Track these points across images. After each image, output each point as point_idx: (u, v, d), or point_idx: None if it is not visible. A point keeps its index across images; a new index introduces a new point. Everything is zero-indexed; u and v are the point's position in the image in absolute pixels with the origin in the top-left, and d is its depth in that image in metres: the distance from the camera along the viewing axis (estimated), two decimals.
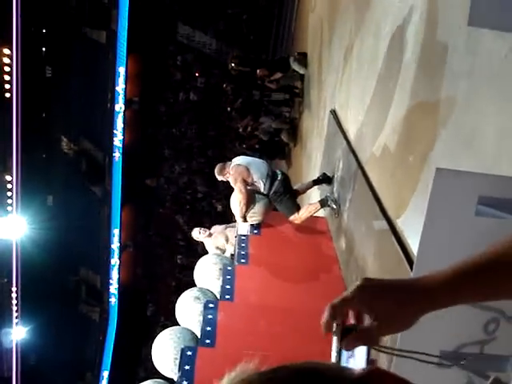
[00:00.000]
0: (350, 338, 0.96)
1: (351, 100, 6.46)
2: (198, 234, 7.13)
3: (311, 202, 6.56)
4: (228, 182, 6.22)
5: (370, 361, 0.95)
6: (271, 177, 6.13)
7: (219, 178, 6.31)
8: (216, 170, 6.28)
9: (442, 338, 2.48)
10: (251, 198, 6.02)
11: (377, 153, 4.97)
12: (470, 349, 2.49)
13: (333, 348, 0.97)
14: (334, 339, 0.97)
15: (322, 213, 6.56)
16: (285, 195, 6.17)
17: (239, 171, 6.06)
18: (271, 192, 6.10)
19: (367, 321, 0.99)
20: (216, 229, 7.21)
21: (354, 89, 6.40)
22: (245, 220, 6.02)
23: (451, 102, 3.48)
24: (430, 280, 0.99)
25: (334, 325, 0.97)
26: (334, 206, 6.14)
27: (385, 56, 5.12)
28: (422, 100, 4.07)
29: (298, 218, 6.20)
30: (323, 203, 6.30)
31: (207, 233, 7.10)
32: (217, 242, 6.95)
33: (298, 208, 6.29)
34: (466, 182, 2.29)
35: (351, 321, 0.99)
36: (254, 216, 6.06)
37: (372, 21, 5.79)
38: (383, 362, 2.81)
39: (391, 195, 4.40)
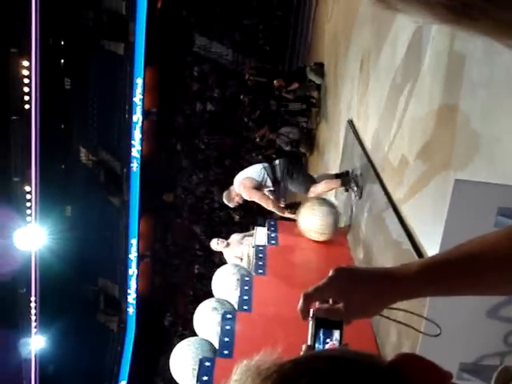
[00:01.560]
0: (328, 308, 1.05)
1: (368, 110, 6.45)
2: (216, 244, 7.16)
3: (329, 178, 6.46)
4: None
5: (343, 345, 1.04)
6: (271, 168, 6.22)
7: (231, 204, 6.39)
8: (225, 199, 6.40)
9: (462, 350, 2.47)
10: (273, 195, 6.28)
11: (394, 163, 4.96)
12: (490, 361, 2.47)
13: (309, 332, 1.06)
14: (310, 324, 1.06)
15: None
16: (292, 174, 6.20)
17: (244, 185, 6.21)
18: (279, 179, 6.19)
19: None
20: (234, 238, 7.24)
21: (371, 98, 6.39)
22: (288, 211, 6.25)
23: (469, 113, 3.47)
24: (402, 271, 1.03)
25: (311, 311, 1.05)
26: (356, 188, 6.03)
27: (401, 65, 5.12)
28: (439, 110, 4.06)
29: (313, 191, 6.15)
30: (344, 182, 6.18)
31: (225, 243, 7.13)
32: (235, 252, 6.98)
33: (312, 183, 6.23)
34: (485, 193, 2.28)
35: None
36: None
37: (389, 30, 5.79)
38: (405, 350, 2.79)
39: (409, 205, 4.38)
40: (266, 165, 6.33)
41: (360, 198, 5.94)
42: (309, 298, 1.06)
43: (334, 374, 0.62)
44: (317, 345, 1.04)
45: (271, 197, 6.38)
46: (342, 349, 0.87)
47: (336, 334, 1.05)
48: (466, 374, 2.41)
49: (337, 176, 6.69)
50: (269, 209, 6.46)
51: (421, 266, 1.04)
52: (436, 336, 1.19)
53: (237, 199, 6.33)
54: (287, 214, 6.39)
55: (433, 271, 1.03)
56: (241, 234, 7.34)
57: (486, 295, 1.11)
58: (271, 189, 6.37)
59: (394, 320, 1.19)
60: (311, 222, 5.83)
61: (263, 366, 0.64)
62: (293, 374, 0.62)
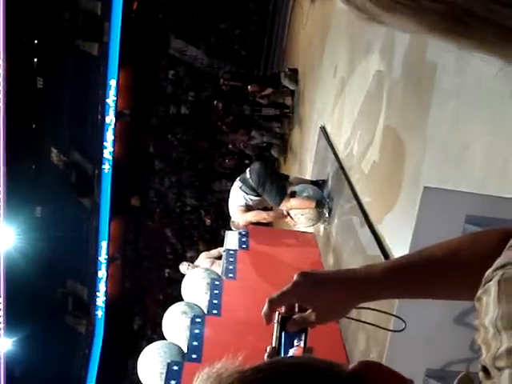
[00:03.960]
0: (292, 321, 1.07)
1: (340, 116, 6.49)
2: (185, 268, 7.11)
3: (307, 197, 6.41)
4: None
5: (307, 348, 1.07)
6: (245, 184, 6.21)
7: (243, 230, 6.34)
8: (234, 229, 6.41)
9: (428, 356, 2.49)
10: (256, 211, 6.39)
11: (365, 169, 4.99)
12: (456, 367, 2.50)
13: (274, 335, 1.08)
14: (275, 326, 1.08)
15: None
16: (264, 185, 6.14)
17: (238, 214, 6.26)
18: (255, 190, 6.18)
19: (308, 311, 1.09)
20: (201, 261, 7.19)
21: (344, 106, 6.44)
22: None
23: (440, 121, 3.51)
24: (364, 273, 1.05)
25: (276, 314, 1.08)
26: (327, 214, 6.06)
27: (374, 74, 5.16)
28: (410, 118, 4.10)
29: (285, 205, 6.11)
30: (318, 204, 6.16)
31: (195, 268, 7.06)
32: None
33: (284, 196, 6.16)
34: (454, 200, 2.30)
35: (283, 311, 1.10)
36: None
37: (363, 38, 5.84)
38: (373, 358, 2.80)
39: (379, 212, 4.42)
40: (240, 184, 6.27)
41: (329, 224, 5.99)
42: (274, 303, 1.07)
43: (296, 382, 0.62)
44: (282, 347, 1.06)
45: (263, 210, 6.48)
46: (304, 356, 0.88)
47: (301, 336, 1.07)
48: (433, 380, 2.43)
49: (312, 182, 6.71)
50: (269, 221, 6.53)
51: (384, 269, 1.05)
52: (401, 331, 1.20)
53: (242, 225, 6.35)
54: (286, 220, 6.40)
55: (395, 274, 1.04)
56: (210, 257, 7.25)
57: (448, 299, 1.13)
58: (261, 202, 6.39)
59: (359, 320, 1.21)
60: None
61: (224, 373, 0.64)
62: (254, 382, 0.62)
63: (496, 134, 2.90)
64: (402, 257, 1.10)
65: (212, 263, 7.03)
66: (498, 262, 0.76)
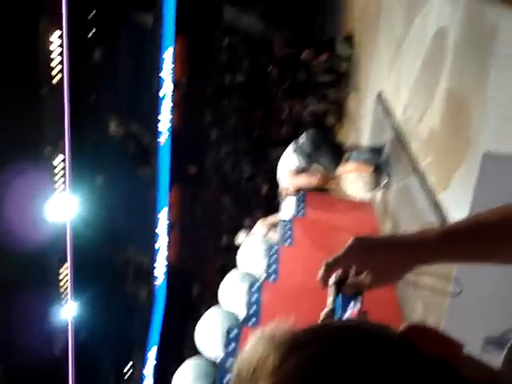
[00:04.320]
0: (347, 284, 1.10)
1: (398, 81, 6.37)
2: (243, 238, 7.15)
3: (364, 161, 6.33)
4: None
5: (362, 312, 1.08)
6: (300, 148, 6.18)
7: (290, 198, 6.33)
8: (282, 198, 6.39)
9: (487, 324, 2.47)
10: (307, 175, 6.29)
11: (424, 135, 4.91)
12: None
13: (329, 298, 1.11)
14: (331, 289, 1.10)
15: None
16: (320, 149, 6.11)
17: (287, 178, 6.22)
18: (309, 155, 6.14)
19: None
20: (258, 228, 7.21)
21: (401, 70, 6.31)
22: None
23: (499, 84, 3.41)
24: (419, 237, 1.06)
25: (332, 278, 1.10)
26: (385, 180, 5.99)
27: (432, 37, 5.03)
28: (469, 81, 4.00)
29: (343, 169, 6.08)
30: (376, 169, 6.11)
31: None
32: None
33: (341, 161, 6.13)
34: None
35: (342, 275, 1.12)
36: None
37: (420, 1, 5.68)
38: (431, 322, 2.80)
39: (438, 178, 4.35)
40: (294, 147, 6.27)
41: (386, 190, 5.90)
42: (329, 267, 1.10)
43: (343, 343, 0.64)
44: (337, 310, 1.08)
45: (316, 173, 6.38)
46: (355, 320, 0.90)
47: (356, 300, 1.09)
48: (492, 347, 2.41)
49: (369, 149, 6.63)
50: (321, 185, 6.49)
51: (439, 233, 1.06)
52: (457, 295, 1.20)
53: (290, 191, 6.35)
54: (336, 185, 6.39)
55: (450, 238, 1.05)
56: (268, 223, 7.27)
57: (503, 263, 1.13)
58: (314, 166, 6.34)
59: (415, 284, 1.22)
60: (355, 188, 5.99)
61: (277, 333, 0.66)
62: (303, 342, 0.64)
63: None
64: (458, 221, 1.10)
65: (269, 230, 7.07)
66: None
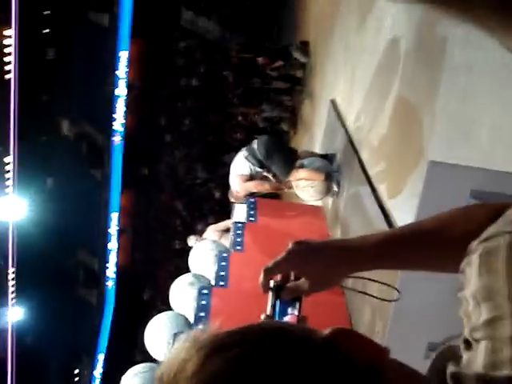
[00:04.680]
0: (286, 289, 1.09)
1: (351, 89, 6.44)
2: (193, 242, 7.10)
3: (316, 169, 6.31)
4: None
5: (301, 317, 1.09)
6: (252, 154, 6.20)
7: (241, 201, 6.32)
8: (233, 200, 6.39)
9: (430, 330, 2.50)
10: (258, 180, 6.32)
11: (375, 143, 4.97)
12: (458, 341, 2.51)
13: (268, 302, 1.11)
14: (270, 294, 1.10)
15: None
16: (272, 156, 6.14)
17: (237, 183, 6.23)
18: (261, 161, 6.16)
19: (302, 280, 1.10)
20: (209, 233, 7.18)
21: (354, 78, 6.39)
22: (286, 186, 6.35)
23: (449, 94, 3.48)
24: (359, 242, 1.06)
25: (271, 283, 1.10)
26: (336, 188, 6.03)
27: (385, 46, 5.11)
28: (420, 91, 4.07)
29: (294, 175, 6.11)
30: (327, 177, 6.10)
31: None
32: None
33: (293, 168, 6.14)
34: (459, 175, 2.29)
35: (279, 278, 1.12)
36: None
37: (374, 10, 5.77)
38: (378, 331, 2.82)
39: (387, 185, 4.41)
40: (246, 153, 6.26)
41: (337, 197, 5.96)
42: (269, 272, 1.09)
43: (266, 345, 0.63)
44: (276, 316, 1.07)
45: (267, 180, 6.40)
46: (280, 322, 0.90)
47: (295, 305, 1.08)
48: (434, 353, 2.44)
49: (321, 156, 6.68)
50: (270, 191, 6.52)
51: (376, 240, 1.06)
52: (395, 301, 1.21)
53: (241, 195, 6.35)
54: (286, 190, 6.41)
55: (387, 245, 1.05)
56: (218, 229, 7.23)
57: (438, 271, 1.14)
58: (264, 173, 6.36)
59: (353, 289, 1.23)
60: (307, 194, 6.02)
61: (201, 336, 0.65)
62: (226, 344, 0.63)
63: (505, 109, 2.87)
64: (396, 228, 1.11)
65: (220, 236, 7.04)
66: (483, 235, 0.76)
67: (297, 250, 1.10)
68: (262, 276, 1.10)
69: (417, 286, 2.14)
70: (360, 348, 0.63)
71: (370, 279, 1.19)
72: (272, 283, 1.10)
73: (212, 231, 7.21)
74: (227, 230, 6.83)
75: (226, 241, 6.44)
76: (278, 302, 1.09)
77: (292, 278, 1.11)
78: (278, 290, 1.09)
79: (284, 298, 1.09)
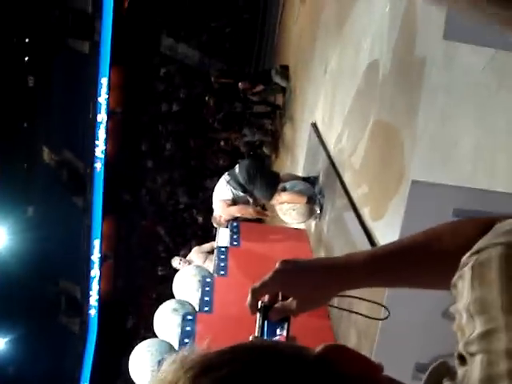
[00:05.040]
0: (274, 309, 1.08)
1: (331, 113, 6.49)
2: (177, 263, 7.05)
3: (298, 192, 6.33)
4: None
5: (290, 337, 1.07)
6: (234, 179, 6.20)
7: (223, 226, 6.32)
8: (215, 225, 6.39)
9: (418, 351, 2.49)
10: (242, 205, 6.31)
11: (356, 165, 5.00)
12: (449, 358, 2.50)
13: (256, 323, 1.08)
14: (257, 315, 1.08)
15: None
16: (254, 180, 6.15)
17: (220, 208, 6.24)
18: (243, 186, 6.16)
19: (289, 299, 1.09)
20: (194, 255, 7.13)
21: (334, 101, 6.44)
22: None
23: (429, 115, 3.51)
24: (347, 261, 1.06)
25: (259, 304, 1.08)
26: (318, 210, 6.06)
27: (364, 70, 5.16)
28: (399, 113, 4.11)
29: (277, 199, 6.12)
30: (309, 199, 6.13)
31: (187, 263, 7.01)
32: None
33: (275, 191, 6.15)
34: (441, 194, 2.30)
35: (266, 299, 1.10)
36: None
37: (352, 35, 5.84)
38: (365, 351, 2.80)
39: (370, 207, 4.42)
40: (227, 178, 6.26)
41: (320, 220, 5.99)
42: (256, 293, 1.07)
43: (256, 364, 0.61)
44: (264, 337, 1.06)
45: (249, 205, 6.41)
46: (270, 340, 0.88)
47: (283, 325, 1.07)
48: (422, 374, 2.43)
49: (303, 179, 6.70)
50: (254, 216, 6.53)
51: (363, 258, 1.06)
52: (384, 319, 1.19)
53: (223, 219, 6.33)
54: (267, 215, 6.42)
55: (374, 263, 1.04)
56: (203, 251, 7.20)
57: (427, 288, 1.13)
58: (247, 198, 6.37)
59: (341, 308, 1.21)
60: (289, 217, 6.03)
61: (189, 356, 0.64)
62: (215, 364, 0.62)
63: (484, 128, 2.90)
64: (385, 245, 1.10)
65: (205, 258, 7.01)
66: (474, 247, 0.76)
67: (284, 270, 1.09)
68: (249, 297, 1.08)
69: (403, 306, 2.13)
70: (352, 364, 0.62)
71: (358, 298, 1.18)
72: (260, 304, 1.09)
73: (196, 253, 7.16)
74: (212, 252, 6.79)
75: (211, 263, 6.41)
76: (266, 323, 1.07)
77: (280, 297, 1.10)
78: (266, 311, 1.08)
79: (272, 318, 1.07)
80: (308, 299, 1.08)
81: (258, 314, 1.08)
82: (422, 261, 1.03)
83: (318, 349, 0.64)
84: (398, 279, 1.10)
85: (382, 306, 1.22)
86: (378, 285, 1.10)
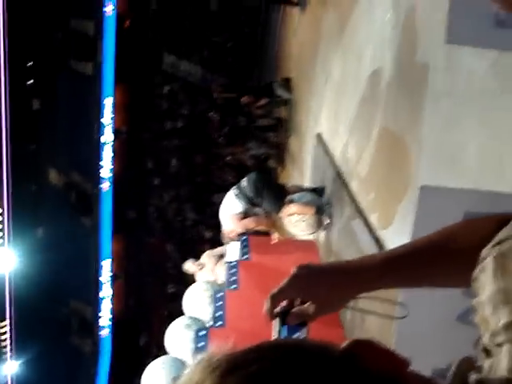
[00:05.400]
0: (292, 314, 1.09)
1: (336, 122, 6.49)
2: (190, 266, 7.05)
3: (306, 203, 6.32)
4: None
5: None
6: (242, 192, 6.19)
7: (233, 240, 6.30)
8: (226, 241, 6.37)
9: (433, 356, 2.47)
10: (253, 219, 6.30)
11: (363, 173, 4.99)
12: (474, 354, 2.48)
13: (275, 329, 1.09)
14: (275, 321, 1.09)
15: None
16: (262, 193, 6.13)
17: (233, 222, 6.21)
18: (251, 199, 6.15)
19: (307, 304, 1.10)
20: (206, 259, 7.13)
21: (338, 111, 6.44)
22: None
23: (433, 121, 3.51)
24: (362, 263, 1.06)
25: (277, 310, 1.09)
26: (327, 221, 6.04)
27: (367, 78, 5.17)
28: (404, 119, 4.10)
29: (286, 211, 6.11)
30: (318, 210, 6.14)
31: (200, 266, 7.03)
32: (209, 276, 6.89)
33: (283, 203, 6.14)
34: (451, 198, 2.29)
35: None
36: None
37: (354, 43, 5.85)
38: None
39: (378, 215, 4.41)
40: (236, 192, 6.27)
41: (329, 230, 5.96)
42: (274, 299, 1.08)
43: (284, 361, 0.61)
44: None
45: (261, 217, 6.41)
46: (296, 339, 0.88)
47: (301, 330, 1.07)
48: (438, 379, 2.40)
49: (311, 190, 6.70)
50: (267, 229, 6.52)
51: (379, 259, 1.06)
52: (403, 318, 1.19)
53: (235, 234, 6.32)
54: (276, 227, 6.43)
55: (390, 263, 1.05)
56: (215, 255, 7.22)
57: (444, 287, 1.14)
58: (257, 209, 6.37)
59: (359, 310, 1.21)
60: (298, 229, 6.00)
61: (215, 357, 0.63)
62: (242, 362, 0.61)
63: (489, 131, 2.89)
64: (399, 246, 1.10)
65: (217, 261, 7.01)
66: (495, 239, 0.76)
67: (300, 275, 1.10)
68: (267, 303, 1.09)
69: (418, 311, 2.12)
70: (379, 358, 0.61)
71: (376, 298, 1.18)
72: (278, 309, 1.10)
73: (208, 257, 7.16)
74: (223, 256, 6.80)
75: (222, 266, 6.42)
76: (284, 328, 1.08)
77: (298, 302, 1.11)
78: (284, 316, 1.09)
79: (290, 322, 1.08)
80: (325, 302, 1.09)
81: (275, 321, 1.09)
82: (439, 260, 1.04)
83: (344, 344, 0.64)
84: (414, 279, 1.10)
85: (400, 304, 1.21)
86: (394, 285, 1.11)
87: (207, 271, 6.93)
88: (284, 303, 1.10)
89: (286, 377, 0.59)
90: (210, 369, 0.61)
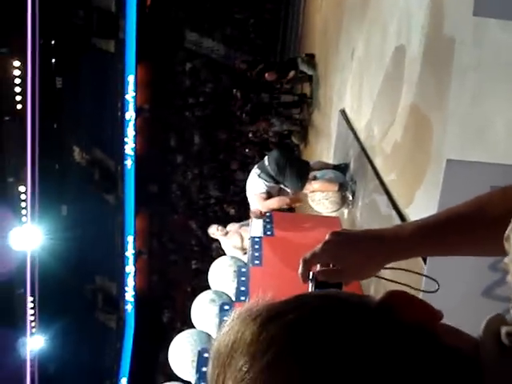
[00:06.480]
0: (326, 270, 1.10)
1: (360, 98, 6.45)
2: (215, 230, 7.17)
3: (329, 180, 6.30)
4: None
5: None
6: (265, 171, 6.19)
7: (259, 216, 6.29)
8: (255, 219, 6.37)
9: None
10: (278, 197, 6.34)
11: (387, 149, 4.96)
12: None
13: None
14: (309, 285, 1.10)
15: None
16: (284, 171, 6.13)
17: (258, 202, 6.22)
18: (274, 177, 6.15)
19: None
20: (231, 227, 7.26)
21: (363, 87, 6.39)
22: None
23: (459, 95, 3.47)
24: (395, 231, 1.06)
25: (310, 273, 1.10)
26: (351, 197, 6.04)
27: (392, 53, 5.11)
28: (430, 95, 4.06)
29: (308, 188, 6.11)
30: (341, 187, 6.13)
31: (224, 231, 7.13)
32: (233, 242, 6.99)
33: (306, 180, 6.14)
34: (478, 172, 2.27)
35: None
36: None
37: (378, 18, 5.78)
38: None
39: (404, 191, 4.39)
40: (258, 171, 6.25)
41: (353, 207, 5.95)
42: (307, 262, 1.10)
43: (322, 311, 0.63)
44: None
45: (284, 195, 6.43)
46: (332, 290, 0.90)
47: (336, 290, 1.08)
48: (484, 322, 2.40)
49: (334, 167, 6.68)
50: (291, 205, 6.55)
51: (412, 228, 1.06)
52: (434, 292, 1.19)
53: (263, 213, 6.34)
54: (301, 200, 6.47)
55: (423, 232, 1.05)
56: (238, 224, 7.37)
57: (477, 255, 1.14)
58: (280, 188, 6.38)
59: (391, 280, 1.22)
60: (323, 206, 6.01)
61: (255, 307, 0.65)
62: (282, 311, 0.63)
63: None
64: (430, 216, 1.11)
65: (241, 226, 7.11)
66: None
67: (334, 240, 1.10)
68: (300, 267, 1.10)
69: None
70: (414, 310, 0.63)
71: (406, 270, 1.19)
72: (311, 274, 1.11)
73: (233, 225, 7.30)
74: (248, 224, 6.88)
75: (246, 233, 6.48)
76: (317, 291, 1.09)
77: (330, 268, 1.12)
78: (317, 281, 1.10)
79: (321, 279, 1.09)
80: (358, 269, 1.09)
81: (309, 284, 1.10)
82: (470, 227, 1.04)
83: (381, 296, 0.66)
84: (453, 246, 1.10)
85: (432, 279, 1.22)
86: (429, 253, 1.11)
87: (232, 234, 7.02)
88: (317, 267, 1.11)
89: (324, 325, 0.61)
90: (250, 318, 0.63)
